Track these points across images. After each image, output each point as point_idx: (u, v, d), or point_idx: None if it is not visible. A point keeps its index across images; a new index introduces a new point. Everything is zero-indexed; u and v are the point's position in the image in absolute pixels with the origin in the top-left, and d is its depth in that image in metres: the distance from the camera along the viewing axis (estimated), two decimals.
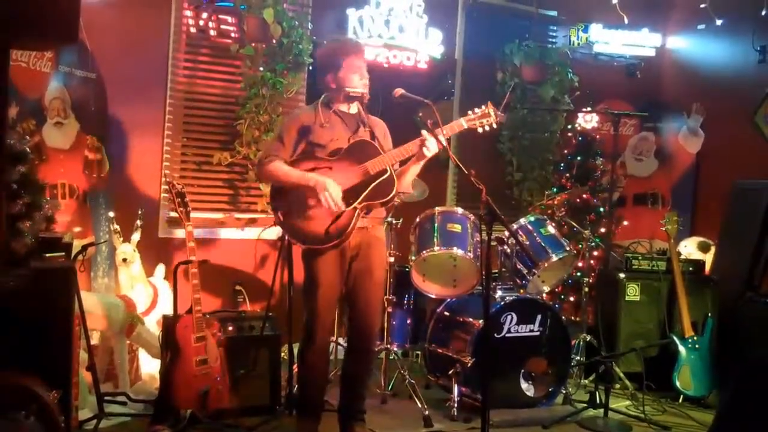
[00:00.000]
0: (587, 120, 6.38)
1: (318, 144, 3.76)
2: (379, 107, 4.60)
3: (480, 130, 3.86)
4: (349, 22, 5.69)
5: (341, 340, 4.98)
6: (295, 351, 4.43)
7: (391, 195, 3.75)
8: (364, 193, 3.70)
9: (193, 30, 5.38)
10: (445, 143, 3.66)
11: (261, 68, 5.41)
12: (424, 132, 3.69)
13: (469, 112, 3.85)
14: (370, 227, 3.84)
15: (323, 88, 3.90)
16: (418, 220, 4.79)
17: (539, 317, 4.72)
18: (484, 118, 3.83)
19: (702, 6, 6.37)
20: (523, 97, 6.57)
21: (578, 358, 5.18)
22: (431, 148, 3.68)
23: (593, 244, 5.54)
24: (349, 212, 3.68)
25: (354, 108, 3.91)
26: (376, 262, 3.87)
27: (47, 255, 3.56)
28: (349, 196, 3.69)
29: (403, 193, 4.03)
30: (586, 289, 5.29)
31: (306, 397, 3.95)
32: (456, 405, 4.48)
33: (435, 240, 4.60)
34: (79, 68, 4.78)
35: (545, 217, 5.12)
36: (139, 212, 4.82)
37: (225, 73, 5.56)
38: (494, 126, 3.87)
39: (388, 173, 3.74)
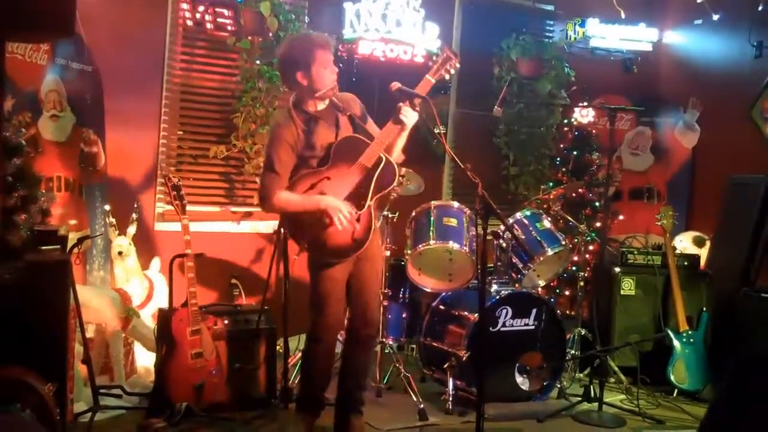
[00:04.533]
0: (583, 114, 6.38)
1: (308, 155, 3.70)
2: (375, 101, 4.60)
3: (447, 76, 3.81)
4: (346, 16, 5.68)
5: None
6: (291, 344, 4.45)
7: (396, 179, 3.77)
8: (371, 188, 3.68)
9: (189, 23, 5.37)
10: (416, 112, 3.64)
11: (257, 61, 5.40)
12: (400, 105, 3.65)
13: (430, 63, 3.78)
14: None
15: (291, 85, 3.78)
16: (414, 214, 4.79)
17: (534, 311, 4.74)
18: (447, 62, 3.77)
19: (699, 1, 6.37)
20: (520, 91, 6.56)
21: (573, 352, 5.20)
22: (409, 116, 3.64)
23: (589, 238, 5.55)
24: (366, 212, 3.67)
25: (325, 103, 3.80)
26: (376, 251, 3.89)
27: (43, 248, 3.56)
28: (358, 196, 3.67)
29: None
30: (582, 284, 5.30)
31: (307, 393, 3.92)
32: (451, 398, 4.50)
33: (431, 234, 4.60)
34: (75, 61, 4.76)
35: (541, 211, 5.13)
36: (135, 205, 4.82)
37: (221, 67, 5.56)
38: (458, 66, 3.81)
39: (384, 160, 3.72)
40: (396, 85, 3.78)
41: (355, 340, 3.91)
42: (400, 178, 3.92)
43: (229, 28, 5.39)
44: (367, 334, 3.90)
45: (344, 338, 4.03)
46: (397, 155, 3.87)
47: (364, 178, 3.68)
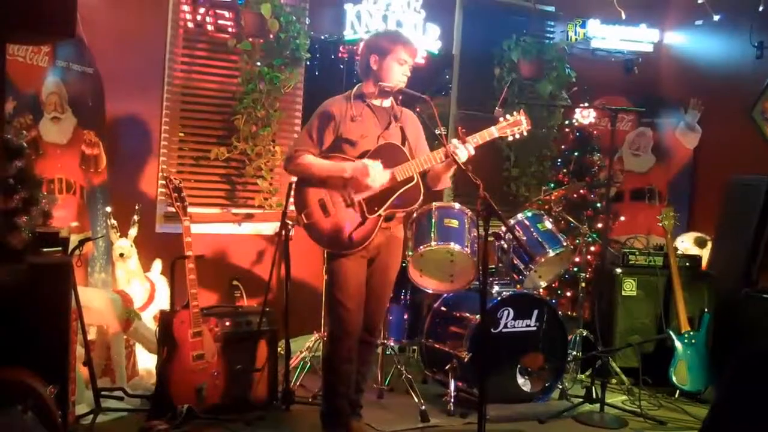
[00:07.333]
0: (585, 115, 6.37)
1: (347, 140, 3.70)
2: None
3: (510, 138, 3.90)
4: (347, 17, 5.69)
5: None
6: (292, 346, 4.45)
7: (416, 204, 3.76)
8: (390, 200, 3.68)
9: (190, 25, 5.39)
10: (472, 151, 3.66)
11: (258, 63, 5.41)
12: (454, 141, 3.68)
13: (501, 119, 3.86)
14: (392, 227, 3.83)
15: (363, 71, 3.81)
16: (415, 215, 4.76)
17: (536, 312, 4.73)
18: (516, 125, 3.85)
19: (699, 2, 6.37)
20: (521, 92, 6.57)
21: (575, 353, 5.19)
22: (461, 156, 3.63)
23: (590, 239, 5.55)
24: (374, 219, 3.66)
25: (387, 102, 3.85)
26: (394, 261, 3.90)
27: (44, 250, 3.56)
28: (375, 201, 3.66)
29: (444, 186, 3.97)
30: (583, 285, 5.30)
31: (333, 407, 3.82)
32: (453, 400, 4.50)
33: (432, 235, 4.58)
34: (76, 63, 4.76)
35: (542, 212, 5.12)
36: (137, 207, 4.81)
37: (222, 68, 5.56)
38: (525, 134, 3.88)
39: (415, 181, 3.71)
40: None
41: (358, 344, 3.90)
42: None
43: (229, 29, 5.41)
44: (367, 340, 3.91)
45: None
46: (445, 184, 3.91)
47: (389, 187, 3.68)
